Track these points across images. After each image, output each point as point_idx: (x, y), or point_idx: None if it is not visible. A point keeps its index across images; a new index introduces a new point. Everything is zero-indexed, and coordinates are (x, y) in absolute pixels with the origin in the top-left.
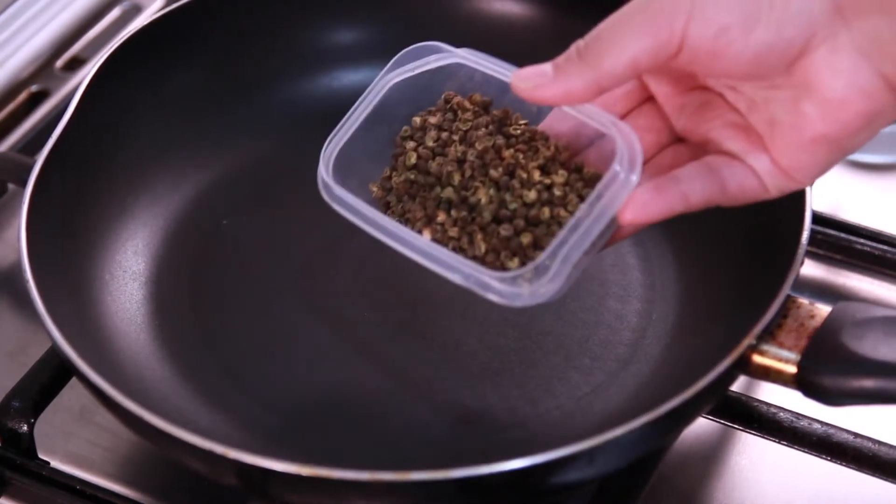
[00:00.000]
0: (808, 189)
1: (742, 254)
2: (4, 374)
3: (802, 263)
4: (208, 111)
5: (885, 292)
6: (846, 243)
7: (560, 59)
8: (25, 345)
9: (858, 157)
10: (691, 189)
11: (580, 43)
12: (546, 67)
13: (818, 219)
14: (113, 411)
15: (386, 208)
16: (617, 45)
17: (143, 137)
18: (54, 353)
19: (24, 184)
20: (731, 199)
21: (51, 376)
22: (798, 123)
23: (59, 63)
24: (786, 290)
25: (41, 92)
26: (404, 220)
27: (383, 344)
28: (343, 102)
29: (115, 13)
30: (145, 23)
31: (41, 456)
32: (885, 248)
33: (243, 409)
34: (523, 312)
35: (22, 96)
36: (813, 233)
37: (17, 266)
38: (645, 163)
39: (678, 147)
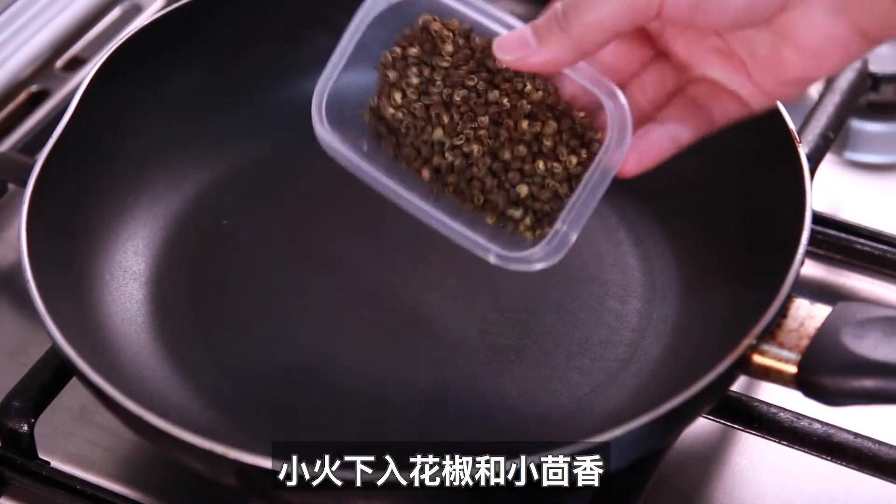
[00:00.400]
0: (808, 189)
1: (742, 254)
2: (4, 374)
3: (802, 263)
4: (208, 111)
5: (885, 292)
6: (846, 243)
7: (541, 24)
8: (25, 345)
9: (858, 157)
10: (679, 132)
11: (558, 8)
12: (528, 36)
13: (818, 219)
14: (113, 411)
15: (378, 138)
16: (595, 12)
17: (143, 137)
18: (54, 353)
19: (24, 184)
20: (718, 126)
21: (51, 376)
22: (778, 63)
23: (59, 63)
24: (786, 290)
25: (41, 92)
26: (401, 154)
27: (384, 345)
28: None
29: (115, 13)
30: (145, 23)
31: (41, 456)
32: (885, 248)
33: (243, 409)
34: (524, 311)
35: (22, 96)
36: (813, 233)
37: (17, 266)
38: (631, 80)
39: (663, 66)
